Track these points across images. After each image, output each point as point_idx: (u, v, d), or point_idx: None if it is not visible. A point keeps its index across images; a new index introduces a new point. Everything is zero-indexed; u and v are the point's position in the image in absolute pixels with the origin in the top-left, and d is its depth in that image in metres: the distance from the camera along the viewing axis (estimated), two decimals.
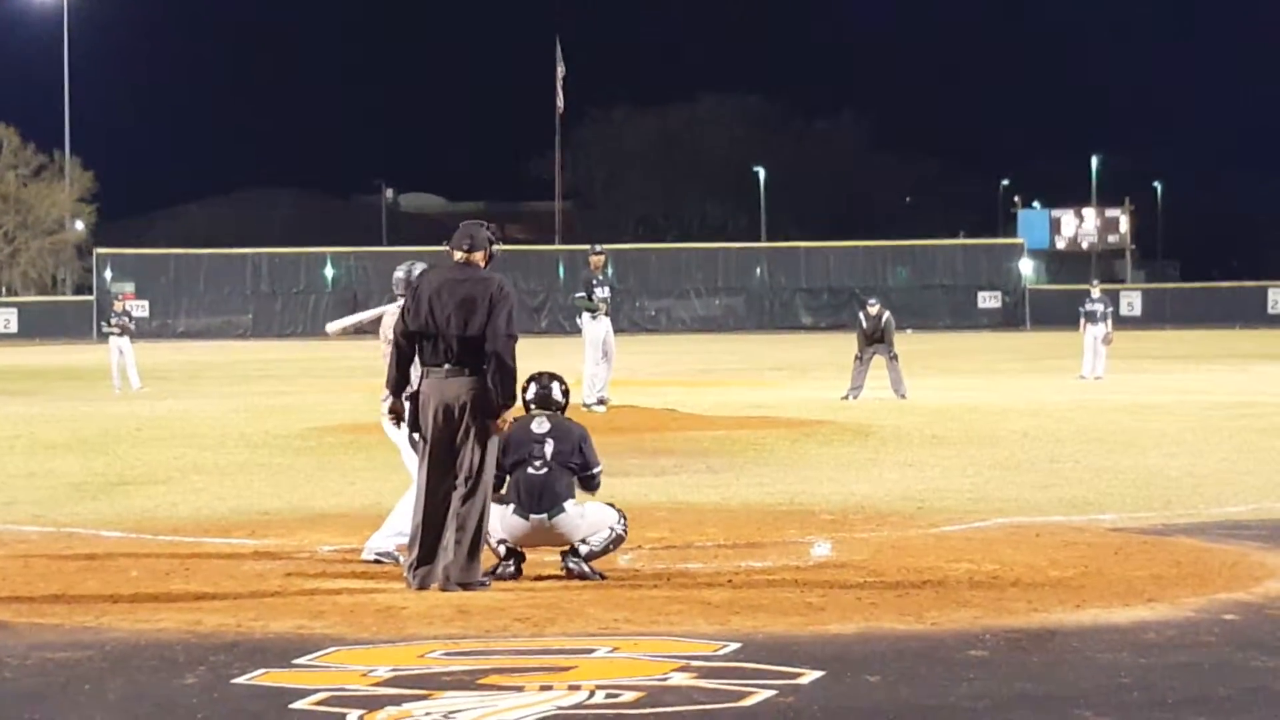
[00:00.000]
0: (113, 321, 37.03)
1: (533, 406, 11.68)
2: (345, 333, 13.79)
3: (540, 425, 11.48)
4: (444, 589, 10.68)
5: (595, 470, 11.56)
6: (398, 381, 11.10)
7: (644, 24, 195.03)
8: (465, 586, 10.70)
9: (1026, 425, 24.21)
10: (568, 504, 11.30)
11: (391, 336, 11.33)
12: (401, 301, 11.67)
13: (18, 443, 23.01)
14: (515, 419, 11.38)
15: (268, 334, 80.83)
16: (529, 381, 11.77)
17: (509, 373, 10.83)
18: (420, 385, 10.97)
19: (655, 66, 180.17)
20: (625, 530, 11.47)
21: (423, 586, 10.76)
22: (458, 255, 11.15)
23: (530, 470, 11.29)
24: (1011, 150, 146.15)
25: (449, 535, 10.80)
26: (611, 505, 11.60)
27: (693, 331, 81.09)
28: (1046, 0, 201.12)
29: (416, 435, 11.08)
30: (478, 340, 10.80)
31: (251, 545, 13.11)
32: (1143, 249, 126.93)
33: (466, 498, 10.82)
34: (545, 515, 11.21)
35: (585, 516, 11.34)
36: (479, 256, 11.12)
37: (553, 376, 11.84)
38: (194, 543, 13.34)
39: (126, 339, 36.55)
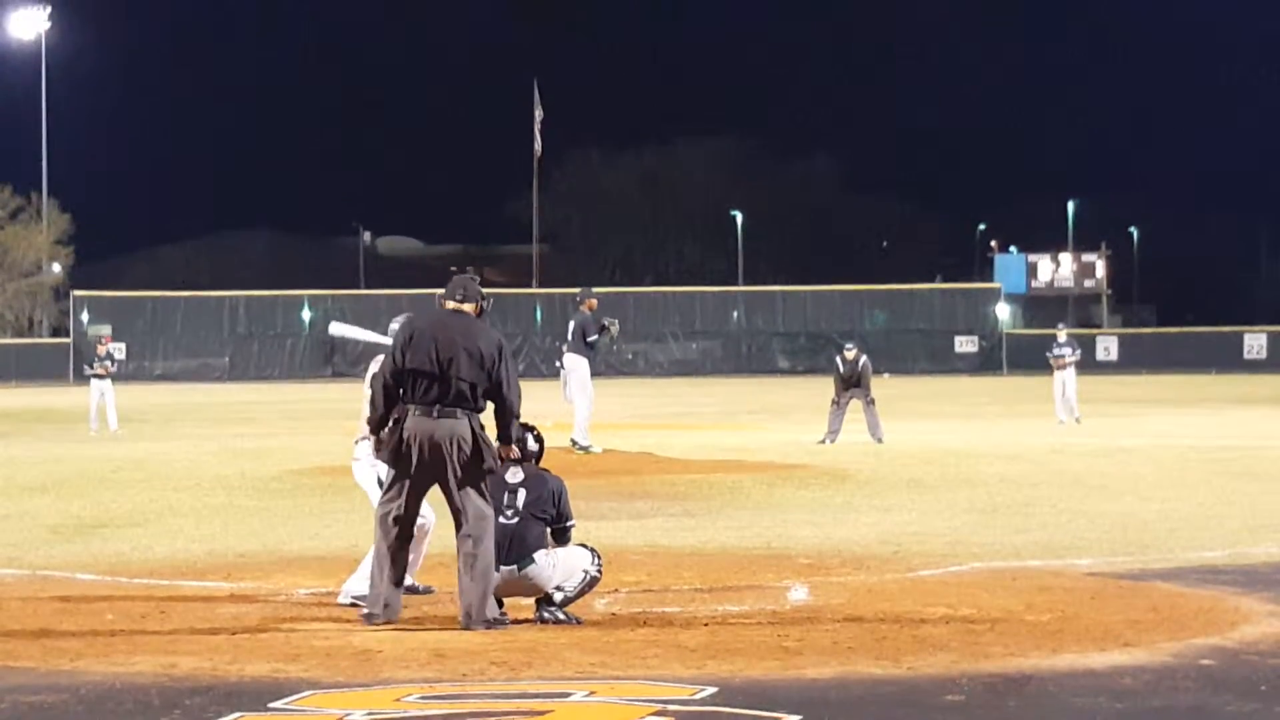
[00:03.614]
0: (95, 365, 37.18)
1: None
2: (341, 339, 13.70)
3: (514, 475, 11.50)
4: (468, 628, 10.77)
5: (569, 525, 11.56)
6: (381, 421, 11.15)
7: (621, 67, 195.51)
8: (488, 625, 10.80)
9: (1003, 469, 24.23)
10: (538, 554, 11.29)
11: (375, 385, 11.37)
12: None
13: None
14: None
15: (244, 377, 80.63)
16: None
17: (517, 419, 11.16)
18: (405, 422, 11.01)
19: (632, 110, 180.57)
20: (600, 570, 11.47)
21: (388, 620, 10.82)
22: (450, 305, 11.30)
23: (501, 520, 11.28)
24: (988, 195, 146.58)
25: (464, 579, 10.88)
26: (584, 546, 11.60)
27: (669, 375, 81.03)
28: (1025, 47, 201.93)
29: (390, 470, 11.15)
30: (475, 386, 10.95)
31: (227, 588, 13.08)
32: (1119, 294, 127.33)
33: (477, 540, 10.93)
34: (515, 566, 11.20)
35: (557, 565, 11.33)
36: (470, 308, 11.29)
37: (526, 428, 11.81)
38: (170, 585, 13.31)
39: (108, 381, 36.74)
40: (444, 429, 10.91)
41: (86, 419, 36.65)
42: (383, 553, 11.04)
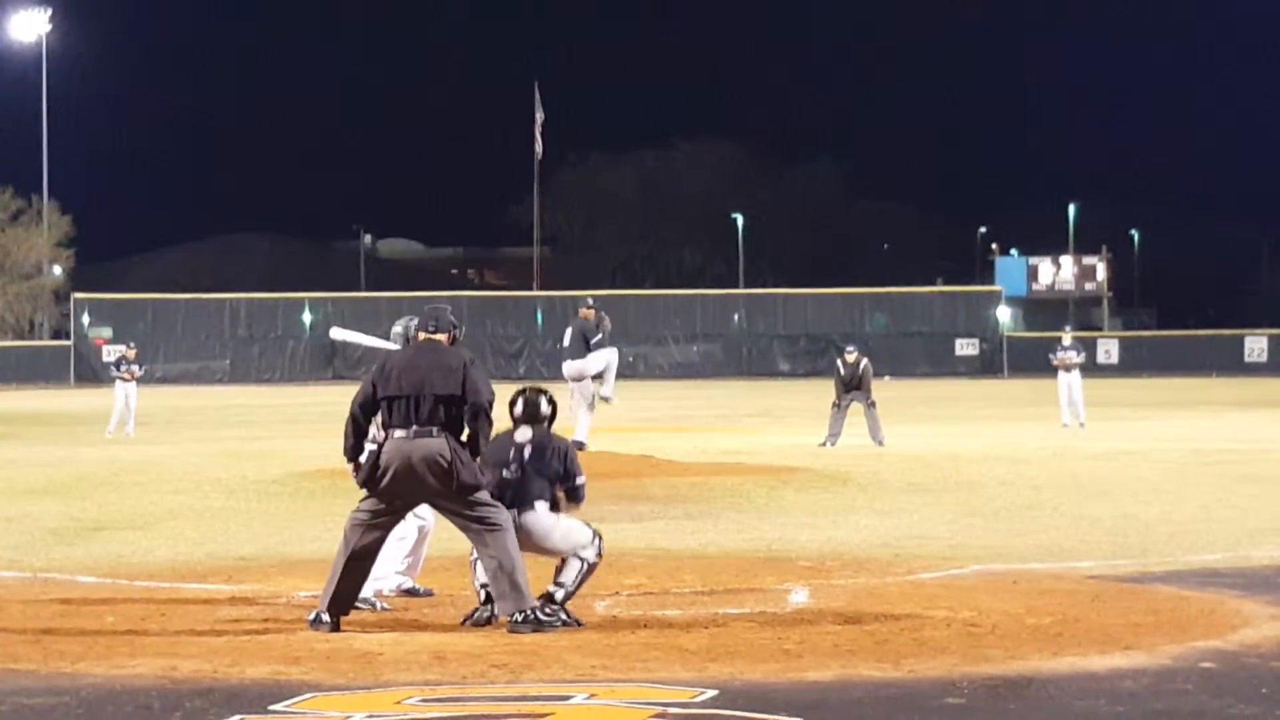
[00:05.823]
0: (121, 369, 37.44)
1: (519, 420, 11.72)
2: (342, 343, 13.82)
3: (522, 435, 11.61)
4: (513, 631, 10.81)
5: (578, 481, 11.61)
6: (355, 449, 11.24)
7: (622, 69, 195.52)
8: (533, 620, 10.81)
9: (1004, 472, 24.22)
10: (539, 504, 11.33)
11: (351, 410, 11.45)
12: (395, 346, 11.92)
13: None
14: (499, 432, 11.53)
15: (245, 379, 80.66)
16: (516, 396, 11.86)
17: (491, 425, 11.13)
18: (382, 446, 11.05)
19: (633, 112, 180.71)
20: (599, 555, 11.51)
21: (335, 629, 10.86)
22: (423, 336, 11.48)
23: (505, 474, 11.36)
24: (989, 197, 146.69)
25: (500, 584, 10.89)
26: (589, 525, 11.61)
27: (670, 378, 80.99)
28: (1029, 49, 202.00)
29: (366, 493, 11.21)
30: (451, 400, 11.01)
31: (228, 591, 13.08)
32: (1120, 297, 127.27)
33: (493, 540, 10.95)
34: (515, 512, 11.22)
35: (558, 527, 11.40)
36: (444, 338, 11.42)
37: (539, 391, 11.95)
38: (170, 588, 13.31)
39: (133, 385, 37.03)
40: (419, 450, 10.95)
41: (87, 421, 36.78)
42: (340, 561, 11.09)
